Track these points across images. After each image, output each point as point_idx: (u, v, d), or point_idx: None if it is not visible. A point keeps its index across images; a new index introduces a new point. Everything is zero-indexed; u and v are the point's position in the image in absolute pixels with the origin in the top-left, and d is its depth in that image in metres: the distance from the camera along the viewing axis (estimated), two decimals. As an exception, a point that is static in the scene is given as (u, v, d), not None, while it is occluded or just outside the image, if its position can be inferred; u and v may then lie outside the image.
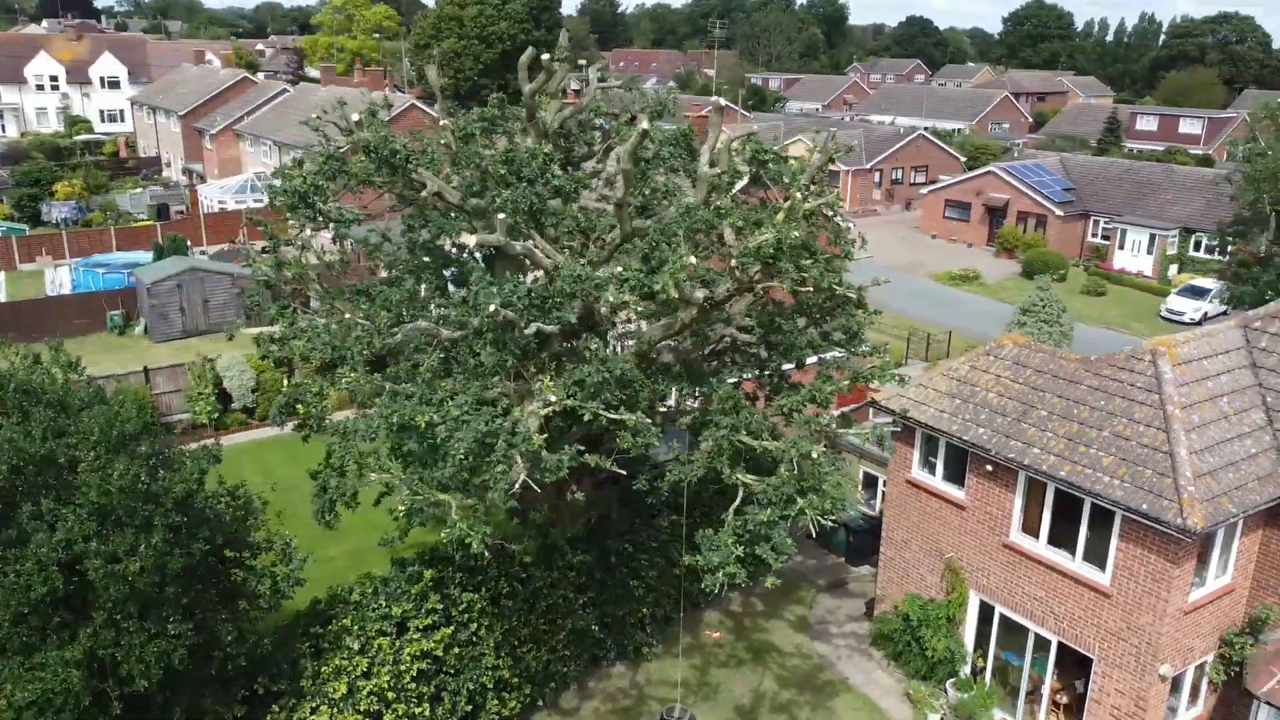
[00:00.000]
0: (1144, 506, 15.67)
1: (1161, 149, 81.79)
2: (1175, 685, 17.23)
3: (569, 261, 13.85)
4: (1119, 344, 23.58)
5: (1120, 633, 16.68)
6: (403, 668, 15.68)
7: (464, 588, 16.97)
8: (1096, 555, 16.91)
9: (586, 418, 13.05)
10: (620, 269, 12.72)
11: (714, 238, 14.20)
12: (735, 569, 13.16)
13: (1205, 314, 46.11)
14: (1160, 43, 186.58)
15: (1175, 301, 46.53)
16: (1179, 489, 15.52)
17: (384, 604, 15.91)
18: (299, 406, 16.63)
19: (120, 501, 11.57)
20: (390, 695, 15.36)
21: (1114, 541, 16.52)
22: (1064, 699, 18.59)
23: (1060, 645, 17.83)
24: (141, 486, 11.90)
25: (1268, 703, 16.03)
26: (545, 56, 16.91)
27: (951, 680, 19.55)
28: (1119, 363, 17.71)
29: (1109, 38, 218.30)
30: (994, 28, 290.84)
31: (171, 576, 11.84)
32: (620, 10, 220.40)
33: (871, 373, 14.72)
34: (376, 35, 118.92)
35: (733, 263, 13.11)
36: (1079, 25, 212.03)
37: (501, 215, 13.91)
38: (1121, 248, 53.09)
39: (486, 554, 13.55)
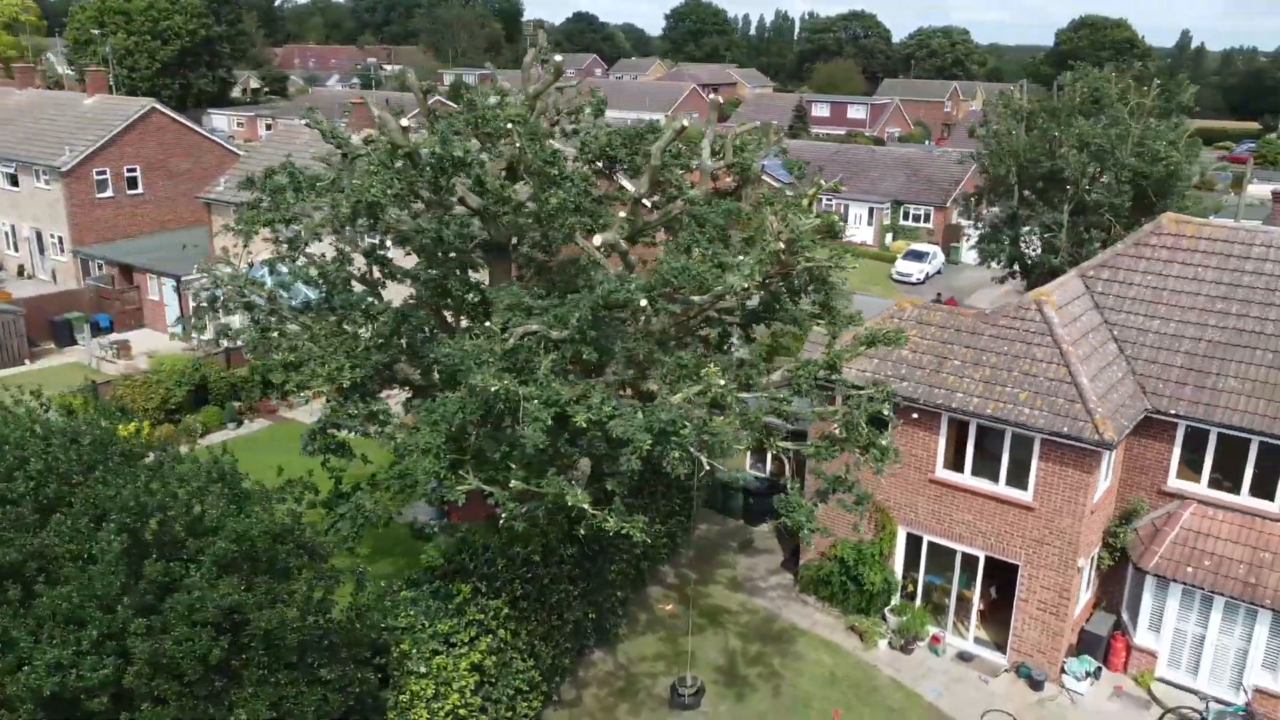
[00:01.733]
0: (1065, 429, 18.82)
1: (841, 132, 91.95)
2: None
3: (671, 254, 14.20)
4: (868, 304, 27.72)
5: (1044, 539, 19.83)
6: (462, 684, 15.37)
7: (486, 595, 16.80)
8: (1018, 477, 19.95)
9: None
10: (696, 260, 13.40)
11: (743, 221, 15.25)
12: (815, 524, 14.46)
13: (927, 274, 53.22)
14: (796, 37, 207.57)
15: (902, 265, 53.27)
16: (1090, 411, 18.81)
17: (430, 623, 15.45)
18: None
19: (262, 547, 10.63)
20: (462, 713, 15.02)
21: (1035, 463, 19.61)
22: (982, 605, 21.69)
23: (987, 559, 20.80)
24: (271, 528, 10.96)
25: (1155, 574, 19.85)
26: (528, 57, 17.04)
27: (889, 608, 22.04)
28: (1011, 313, 20.88)
29: (752, 32, 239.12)
30: (649, 24, 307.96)
31: (321, 618, 11.05)
32: (277, 3, 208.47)
33: (875, 337, 16.38)
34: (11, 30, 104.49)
35: (782, 246, 14.25)
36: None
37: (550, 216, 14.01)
38: (845, 221, 59.60)
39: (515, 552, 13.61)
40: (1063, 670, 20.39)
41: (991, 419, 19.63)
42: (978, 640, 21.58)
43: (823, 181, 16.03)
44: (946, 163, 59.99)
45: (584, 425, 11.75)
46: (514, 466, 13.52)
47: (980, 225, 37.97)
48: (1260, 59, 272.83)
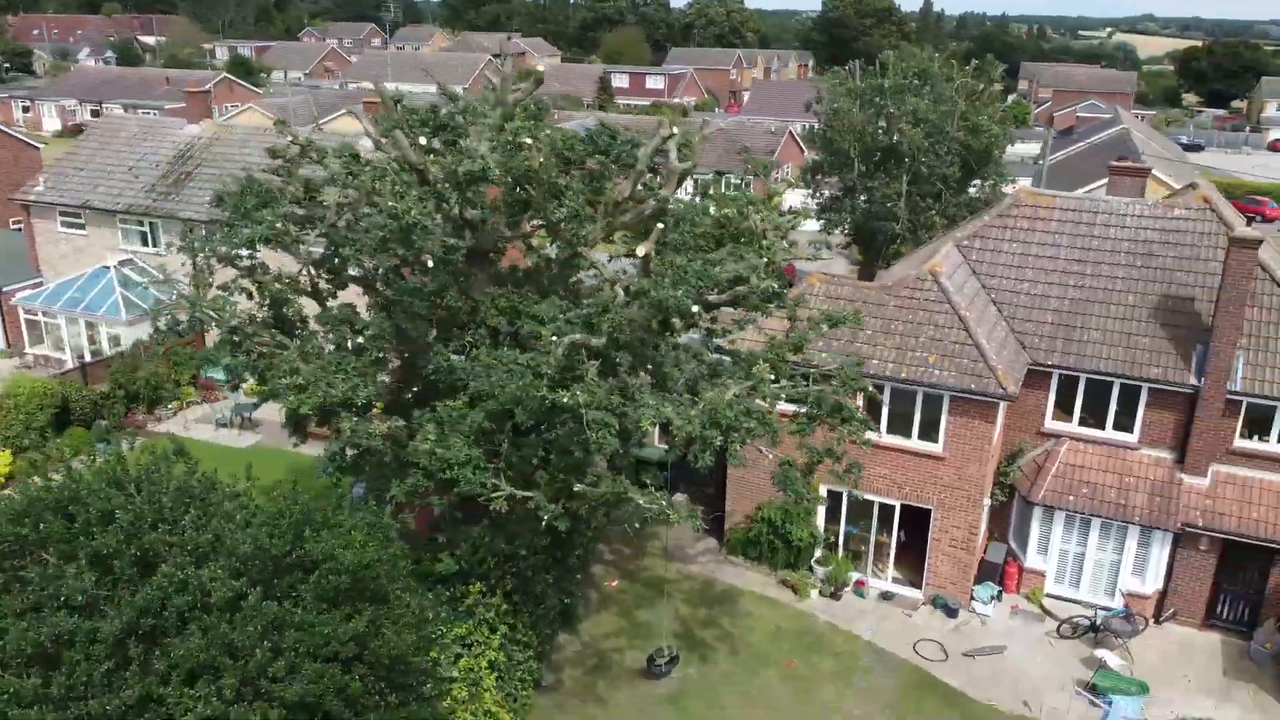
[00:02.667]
0: (973, 386, 21.25)
1: (644, 103, 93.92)
2: (977, 513, 23.45)
3: (687, 258, 14.83)
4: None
5: (954, 484, 22.31)
6: (487, 683, 15.83)
7: (486, 593, 17.25)
8: (930, 432, 22.28)
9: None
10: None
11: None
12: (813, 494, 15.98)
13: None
14: (574, 3, 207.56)
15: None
16: (992, 368, 21.32)
17: (449, 627, 15.77)
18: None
19: (370, 576, 10.79)
20: (494, 710, 15.50)
21: (944, 418, 21.99)
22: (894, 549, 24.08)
23: (903, 507, 23.12)
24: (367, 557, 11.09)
25: (1042, 505, 22.81)
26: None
27: (815, 559, 24.03)
28: (910, 285, 23.10)
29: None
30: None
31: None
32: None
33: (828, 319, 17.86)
34: None
35: (765, 241, 15.42)
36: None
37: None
38: (673, 193, 61.58)
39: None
40: (971, 597, 23.10)
41: (906, 381, 21.80)
42: (895, 580, 23.96)
43: (785, 179, 17.29)
44: (761, 132, 63.02)
45: (647, 427, 12.55)
46: (540, 470, 14.09)
47: (819, 197, 40.65)
48: (988, 23, 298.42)
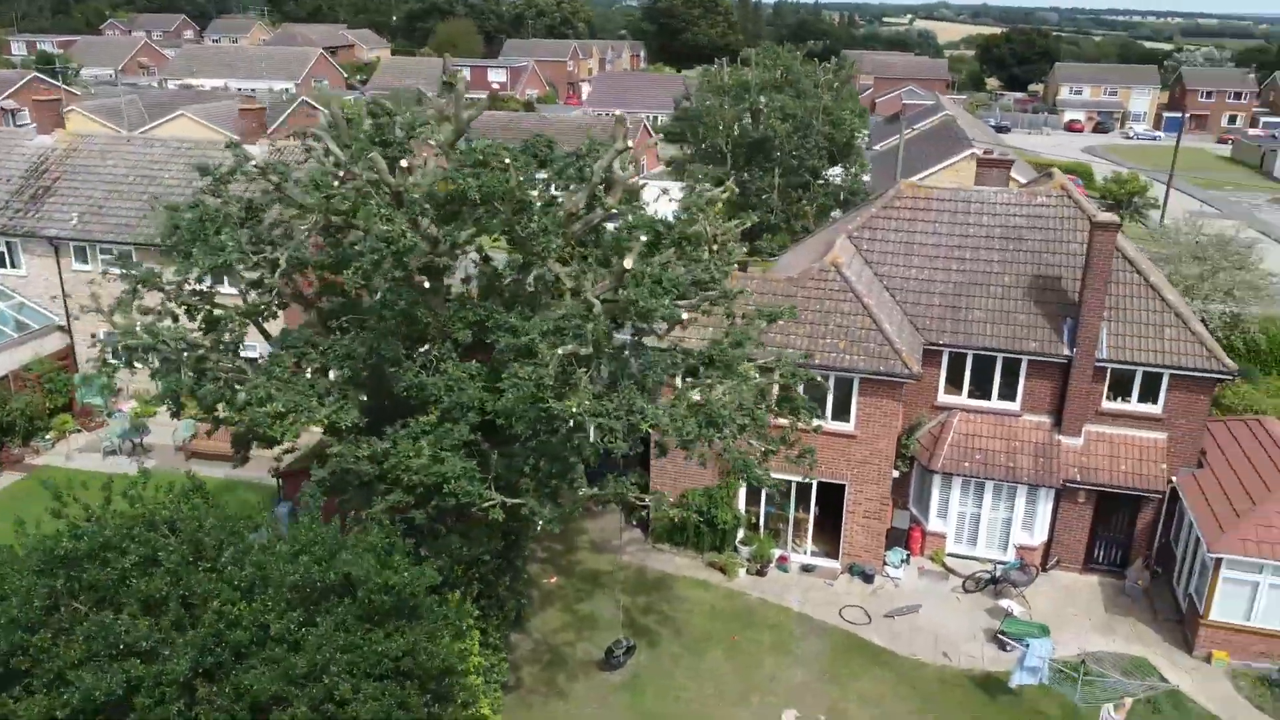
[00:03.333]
0: (882, 368, 22.99)
1: (484, 96, 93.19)
2: (883, 485, 25.31)
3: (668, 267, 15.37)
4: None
5: (866, 459, 24.05)
6: (494, 660, 16.20)
7: (461, 600, 17.58)
8: (842, 412, 23.91)
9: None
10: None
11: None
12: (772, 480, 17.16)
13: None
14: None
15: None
16: (897, 351, 23.11)
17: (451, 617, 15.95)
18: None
19: (409, 594, 11.09)
20: (487, 713, 15.88)
21: (855, 399, 23.66)
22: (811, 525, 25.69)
23: (819, 484, 24.69)
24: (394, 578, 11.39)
25: (941, 472, 24.88)
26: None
27: (739, 540, 25.35)
28: (814, 276, 24.63)
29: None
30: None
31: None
32: None
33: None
34: None
35: (715, 245, 16.37)
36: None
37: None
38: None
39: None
40: (884, 563, 24.99)
41: (820, 367, 23.31)
42: (813, 553, 25.58)
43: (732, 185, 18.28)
44: (609, 123, 63.91)
45: (646, 429, 13.27)
46: (525, 477, 14.62)
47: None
48: (804, 11, 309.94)
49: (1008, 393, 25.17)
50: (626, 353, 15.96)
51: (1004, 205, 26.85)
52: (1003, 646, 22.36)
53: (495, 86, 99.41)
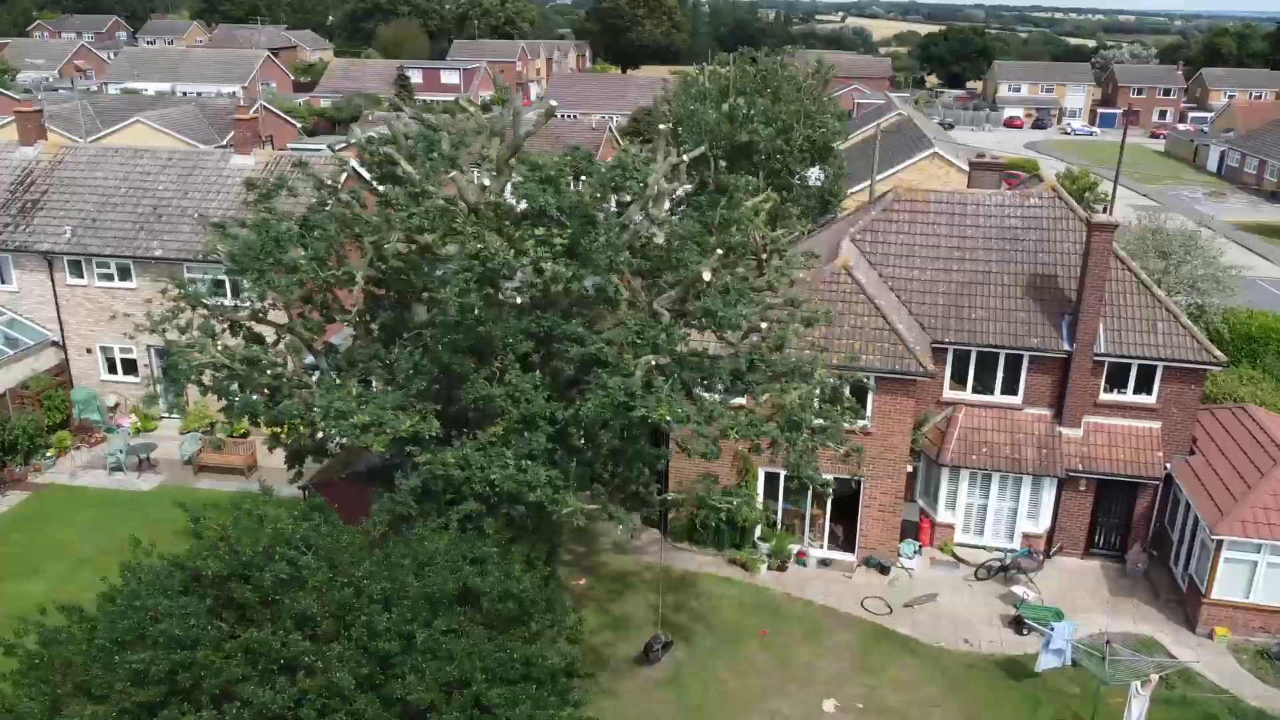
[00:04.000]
0: (897, 367, 23.86)
1: (439, 99, 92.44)
2: (894, 479, 26.22)
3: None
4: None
5: (881, 454, 24.89)
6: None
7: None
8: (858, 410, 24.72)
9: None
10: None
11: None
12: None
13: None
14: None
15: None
16: (911, 351, 24.00)
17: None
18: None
19: (529, 600, 11.52)
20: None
21: (870, 397, 24.50)
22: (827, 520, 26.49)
23: (834, 479, 25.47)
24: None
25: (950, 465, 25.87)
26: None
27: (758, 537, 26.05)
28: (826, 279, 25.40)
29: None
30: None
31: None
32: None
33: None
34: None
35: (764, 254, 17.03)
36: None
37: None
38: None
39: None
40: (898, 555, 25.90)
41: (839, 368, 24.07)
42: (830, 547, 26.40)
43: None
44: (582, 129, 64.34)
45: (735, 436, 13.86)
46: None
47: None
48: (740, 10, 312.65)
49: (1010, 387, 26.25)
50: (705, 361, 16.47)
51: (999, 207, 27.95)
52: (1020, 630, 23.40)
53: (488, 89, 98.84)
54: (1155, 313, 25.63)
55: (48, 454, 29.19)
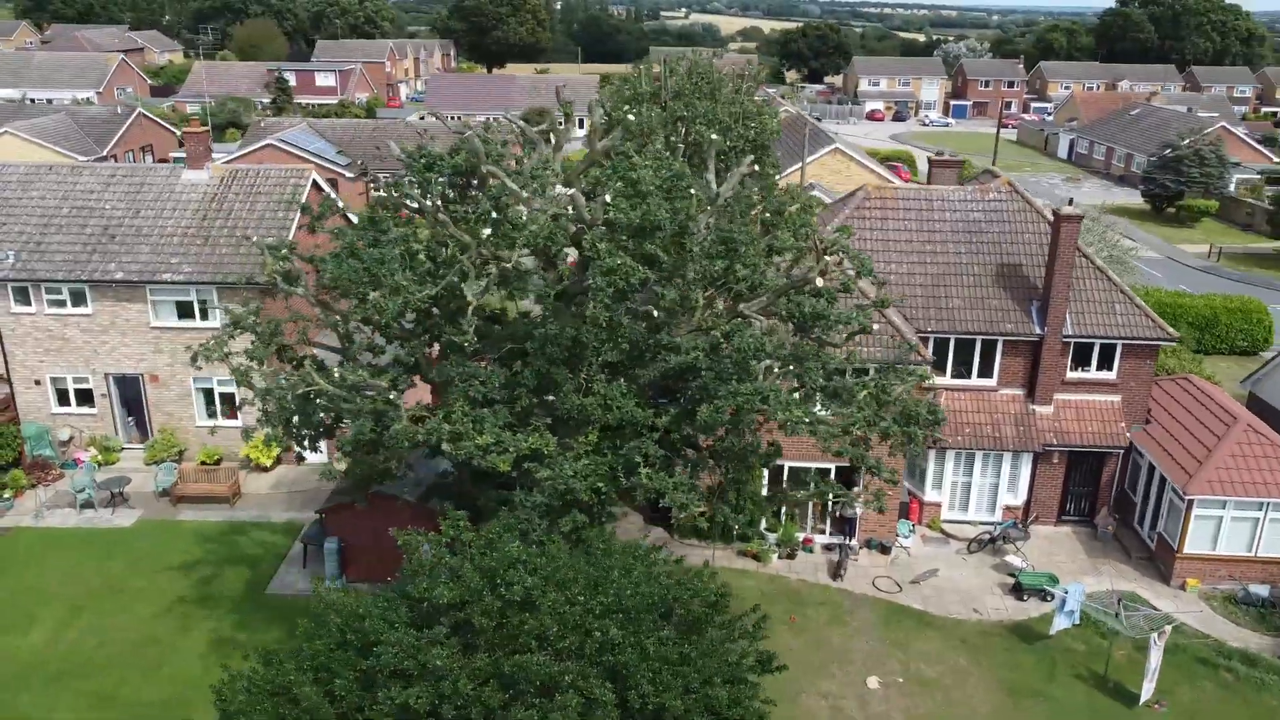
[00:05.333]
0: (899, 359, 25.13)
1: (318, 103, 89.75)
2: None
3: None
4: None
5: (879, 442, 26.14)
6: None
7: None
8: (859, 400, 25.91)
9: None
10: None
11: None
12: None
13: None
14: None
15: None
16: (910, 343, 25.34)
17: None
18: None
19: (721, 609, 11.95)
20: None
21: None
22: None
23: (836, 468, 26.63)
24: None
25: (936, 447, 27.41)
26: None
27: (764, 527, 26.94)
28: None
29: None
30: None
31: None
32: None
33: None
34: None
35: (822, 244, 17.91)
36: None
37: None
38: (413, 197, 60.64)
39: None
40: (896, 535, 27.30)
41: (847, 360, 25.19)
42: (830, 532, 27.56)
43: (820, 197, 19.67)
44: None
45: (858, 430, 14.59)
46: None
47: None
48: (590, 6, 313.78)
49: (986, 370, 28.03)
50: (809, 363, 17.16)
51: (962, 202, 29.71)
52: (1020, 597, 25.13)
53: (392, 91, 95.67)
54: (1113, 295, 27.87)
55: (4, 495, 27.25)
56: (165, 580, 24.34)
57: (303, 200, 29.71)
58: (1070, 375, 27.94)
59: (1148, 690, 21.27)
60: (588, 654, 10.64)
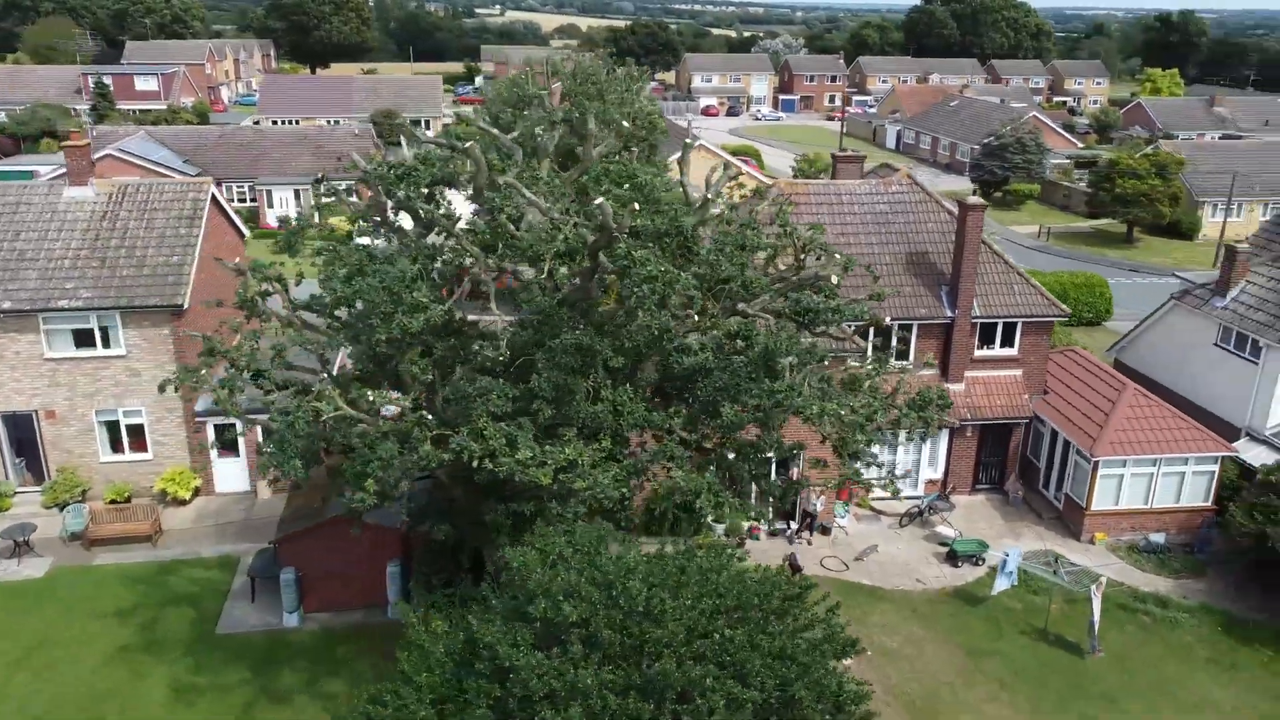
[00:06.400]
0: (837, 346, 26.28)
1: (139, 108, 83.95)
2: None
3: None
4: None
5: (819, 427, 27.29)
6: None
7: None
8: (797, 389, 26.92)
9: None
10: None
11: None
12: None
13: (386, 246, 55.71)
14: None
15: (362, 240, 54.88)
16: (845, 331, 26.52)
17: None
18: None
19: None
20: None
21: (809, 376, 26.74)
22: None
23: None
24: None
25: (866, 430, 28.79)
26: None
27: (712, 519, 27.55)
28: (754, 272, 27.27)
29: None
30: None
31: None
32: None
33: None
34: None
35: (801, 243, 18.57)
36: None
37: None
38: (272, 206, 57.96)
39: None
40: (834, 515, 28.52)
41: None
42: (774, 519, 28.49)
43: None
44: (345, 135, 61.67)
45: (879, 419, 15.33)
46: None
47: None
48: (410, 6, 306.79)
49: (903, 354, 29.65)
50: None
51: (869, 195, 31.25)
52: (955, 564, 26.81)
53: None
54: (1010, 277, 30.04)
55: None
56: (101, 628, 22.61)
57: (201, 215, 28.19)
58: (978, 354, 29.93)
59: (1095, 641, 23.21)
60: (710, 655, 10.84)
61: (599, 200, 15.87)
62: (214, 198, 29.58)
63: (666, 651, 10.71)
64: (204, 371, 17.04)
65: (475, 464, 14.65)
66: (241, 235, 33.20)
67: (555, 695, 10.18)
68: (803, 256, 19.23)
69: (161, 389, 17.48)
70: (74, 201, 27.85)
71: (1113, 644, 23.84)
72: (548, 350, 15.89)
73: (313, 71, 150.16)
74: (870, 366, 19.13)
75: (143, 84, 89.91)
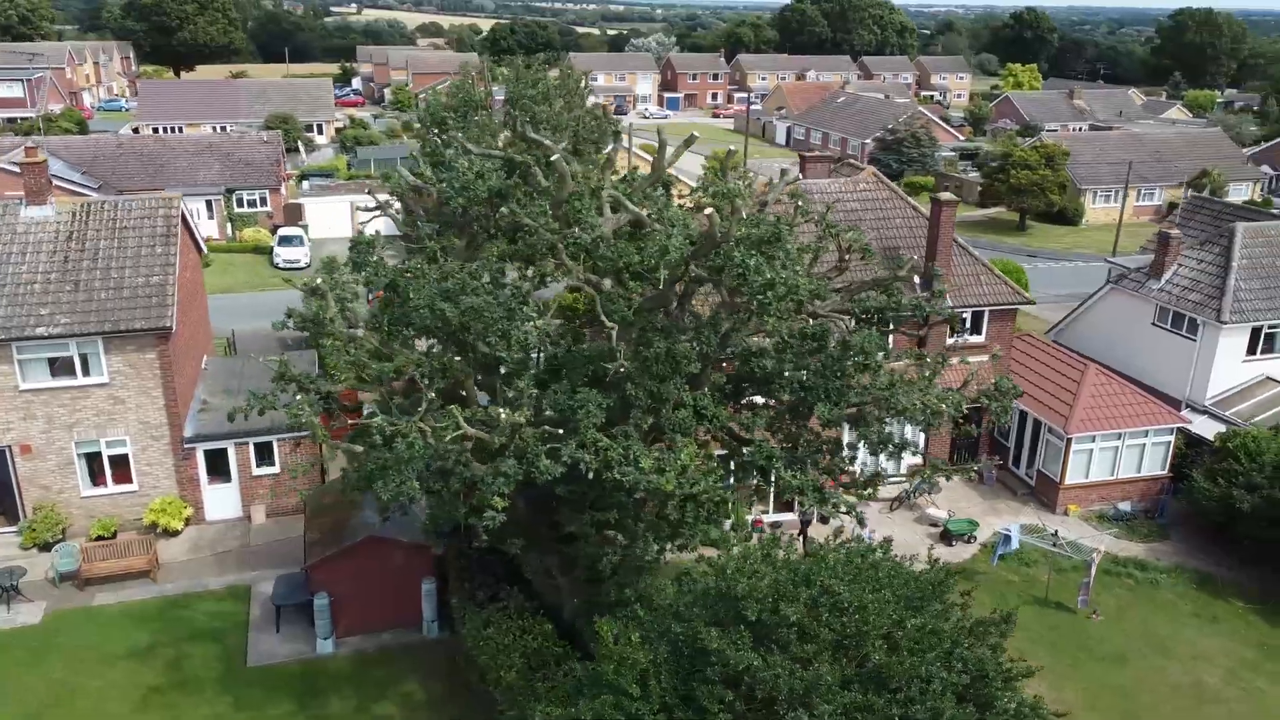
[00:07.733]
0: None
1: (29, 116, 78.55)
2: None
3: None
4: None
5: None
6: None
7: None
8: (796, 384, 27.73)
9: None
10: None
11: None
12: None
13: (310, 256, 54.19)
14: None
15: (287, 252, 53.17)
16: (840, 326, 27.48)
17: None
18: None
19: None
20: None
21: (808, 371, 27.61)
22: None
23: (778, 450, 28.29)
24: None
25: (854, 420, 29.91)
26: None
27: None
28: (750, 272, 27.94)
29: None
30: None
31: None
32: None
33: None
34: None
35: (848, 255, 19.22)
36: None
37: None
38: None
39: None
40: (829, 504, 29.46)
41: (785, 349, 26.88)
42: (775, 510, 29.27)
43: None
44: (255, 143, 59.32)
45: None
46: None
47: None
48: (268, 6, 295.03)
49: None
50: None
51: (838, 192, 32.35)
52: (949, 543, 28.18)
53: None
54: (976, 268, 31.67)
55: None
56: (122, 674, 21.48)
57: (176, 233, 27.00)
58: (949, 341, 31.40)
59: (1085, 599, 24.92)
60: (906, 646, 11.36)
61: (709, 210, 16.11)
62: (183, 216, 28.32)
63: (881, 644, 11.19)
64: (278, 394, 16.48)
65: (590, 475, 14.70)
66: (200, 251, 31.85)
67: (794, 695, 10.51)
68: (846, 258, 19.94)
69: (230, 418, 16.78)
70: (34, 222, 26.21)
71: (1108, 607, 25.57)
72: (640, 359, 16.08)
73: (177, 75, 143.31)
74: (932, 359, 19.96)
75: (6, 90, 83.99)
